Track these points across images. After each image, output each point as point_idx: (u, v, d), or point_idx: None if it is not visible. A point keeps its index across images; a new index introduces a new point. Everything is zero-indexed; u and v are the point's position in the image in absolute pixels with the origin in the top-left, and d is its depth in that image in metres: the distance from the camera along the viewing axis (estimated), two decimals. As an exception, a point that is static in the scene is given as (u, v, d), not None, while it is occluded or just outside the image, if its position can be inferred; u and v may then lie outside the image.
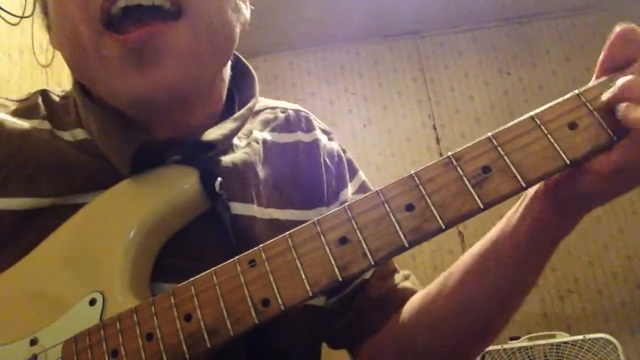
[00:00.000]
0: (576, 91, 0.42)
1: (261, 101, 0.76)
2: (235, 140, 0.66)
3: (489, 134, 0.42)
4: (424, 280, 0.69)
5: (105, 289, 0.53)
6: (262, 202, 0.65)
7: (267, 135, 0.71)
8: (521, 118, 0.42)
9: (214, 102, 0.66)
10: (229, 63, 0.67)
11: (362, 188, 0.76)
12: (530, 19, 3.61)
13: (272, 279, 0.44)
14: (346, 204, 0.45)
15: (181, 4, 0.54)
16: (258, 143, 0.69)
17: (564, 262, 3.12)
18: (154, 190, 0.58)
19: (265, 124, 0.73)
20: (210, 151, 0.61)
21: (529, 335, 2.40)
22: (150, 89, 0.54)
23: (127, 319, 0.48)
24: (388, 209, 0.43)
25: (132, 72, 0.53)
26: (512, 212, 0.54)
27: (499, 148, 0.41)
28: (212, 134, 0.61)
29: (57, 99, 0.69)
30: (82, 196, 0.60)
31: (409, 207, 0.42)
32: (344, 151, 0.78)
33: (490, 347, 2.37)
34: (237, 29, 0.62)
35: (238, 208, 0.62)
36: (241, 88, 0.71)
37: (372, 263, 0.42)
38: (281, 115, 0.75)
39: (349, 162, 0.78)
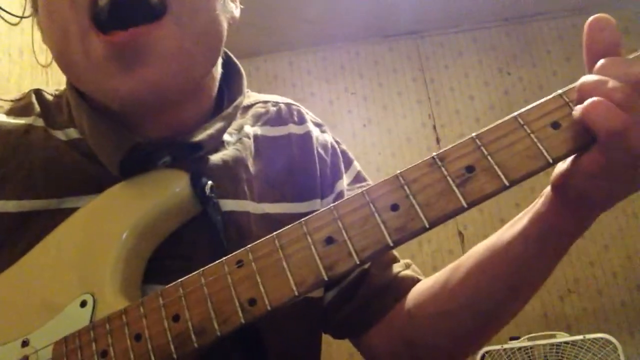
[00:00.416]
0: (559, 91, 0.42)
1: (252, 96, 0.77)
2: (226, 137, 0.67)
3: (473, 134, 0.43)
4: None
5: (96, 290, 0.54)
6: (255, 197, 0.65)
7: (258, 129, 0.71)
8: (505, 118, 0.43)
9: (205, 100, 0.66)
10: (220, 61, 0.67)
11: (358, 178, 0.76)
12: (530, 19, 3.61)
13: (259, 279, 0.44)
14: (332, 204, 0.45)
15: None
16: (249, 138, 0.69)
17: (564, 262, 3.09)
18: (145, 194, 0.58)
19: (257, 118, 0.73)
20: (199, 151, 0.61)
21: (529, 335, 2.41)
22: (136, 90, 0.54)
23: (117, 320, 0.49)
24: (373, 208, 0.43)
25: (118, 73, 0.53)
26: (523, 213, 0.54)
27: (482, 148, 0.42)
28: (200, 134, 0.61)
29: (50, 97, 0.69)
30: (77, 198, 0.60)
31: (394, 207, 0.42)
32: (337, 143, 0.78)
33: (490, 347, 2.37)
34: (225, 27, 0.62)
35: (231, 205, 0.62)
36: (230, 86, 0.71)
37: (358, 262, 0.42)
38: (272, 109, 0.75)
39: (344, 152, 0.78)
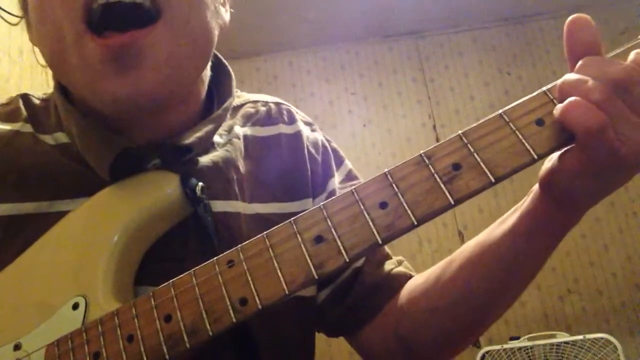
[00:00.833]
0: (544, 88, 0.43)
1: (242, 96, 0.77)
2: (216, 138, 0.67)
3: (460, 131, 0.43)
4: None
5: (88, 293, 0.54)
6: (246, 198, 0.65)
7: (248, 130, 0.71)
8: (491, 116, 0.43)
9: (193, 103, 0.66)
10: (209, 64, 0.67)
11: (349, 176, 0.77)
12: (530, 19, 3.61)
13: (249, 278, 0.45)
14: (321, 203, 0.45)
15: (159, 5, 0.54)
16: (239, 139, 0.69)
17: (564, 262, 3.11)
18: (136, 196, 0.58)
19: (247, 118, 0.73)
20: (189, 154, 0.61)
21: (529, 335, 2.41)
22: (131, 94, 0.54)
23: (109, 322, 0.49)
24: (362, 207, 0.43)
25: (112, 77, 0.53)
26: (513, 210, 0.55)
27: (469, 145, 0.42)
28: (189, 137, 0.61)
29: (38, 102, 0.69)
30: (67, 202, 0.60)
31: (383, 205, 0.43)
32: (328, 141, 0.78)
33: (491, 347, 2.37)
34: (216, 32, 0.62)
35: (222, 206, 0.62)
36: (220, 87, 0.71)
37: (347, 260, 0.42)
38: (262, 109, 0.75)
39: (335, 151, 0.78)
